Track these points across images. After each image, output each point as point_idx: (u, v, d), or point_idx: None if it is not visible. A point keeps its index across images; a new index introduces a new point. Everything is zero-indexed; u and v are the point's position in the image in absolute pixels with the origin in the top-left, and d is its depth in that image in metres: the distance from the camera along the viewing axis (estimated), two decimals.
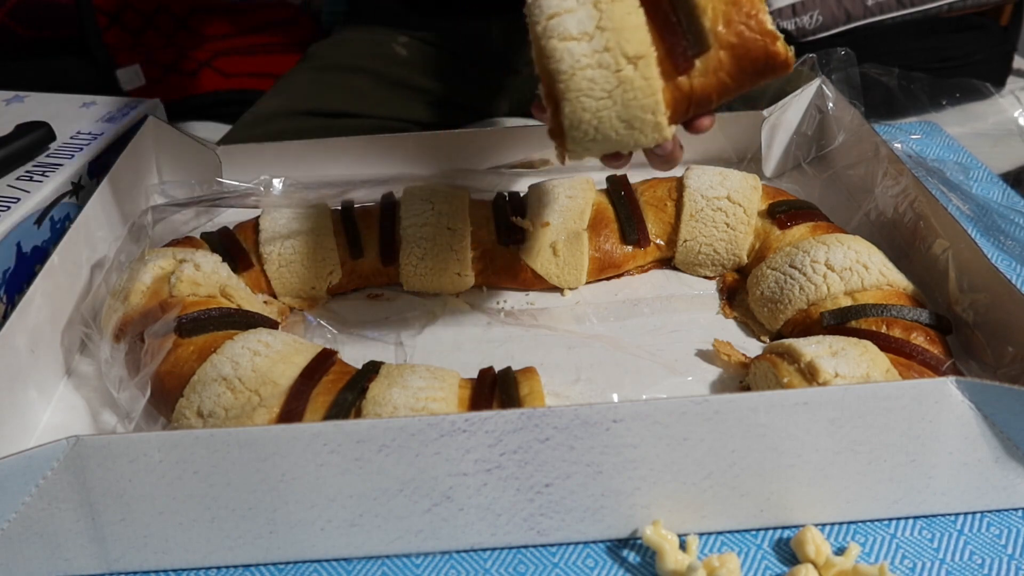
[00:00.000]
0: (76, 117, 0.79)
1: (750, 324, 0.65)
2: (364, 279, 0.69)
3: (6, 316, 0.55)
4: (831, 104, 0.78)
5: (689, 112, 0.50)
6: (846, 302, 0.59)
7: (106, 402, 0.58)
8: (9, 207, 0.65)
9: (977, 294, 0.58)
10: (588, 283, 0.69)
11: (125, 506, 0.45)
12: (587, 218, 0.69)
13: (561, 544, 0.48)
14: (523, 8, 0.48)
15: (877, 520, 0.48)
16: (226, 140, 0.93)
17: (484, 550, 0.48)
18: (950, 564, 0.46)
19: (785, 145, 0.81)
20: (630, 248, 0.69)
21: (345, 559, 0.47)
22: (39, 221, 0.67)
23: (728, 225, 0.68)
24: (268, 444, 0.44)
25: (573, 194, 0.69)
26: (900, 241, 0.68)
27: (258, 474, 0.44)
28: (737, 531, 0.48)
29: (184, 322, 0.56)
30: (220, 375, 0.52)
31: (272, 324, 0.61)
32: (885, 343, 0.54)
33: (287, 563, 0.47)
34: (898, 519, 0.49)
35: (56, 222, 0.69)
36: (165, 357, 0.55)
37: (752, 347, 0.62)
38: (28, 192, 0.67)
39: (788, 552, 0.47)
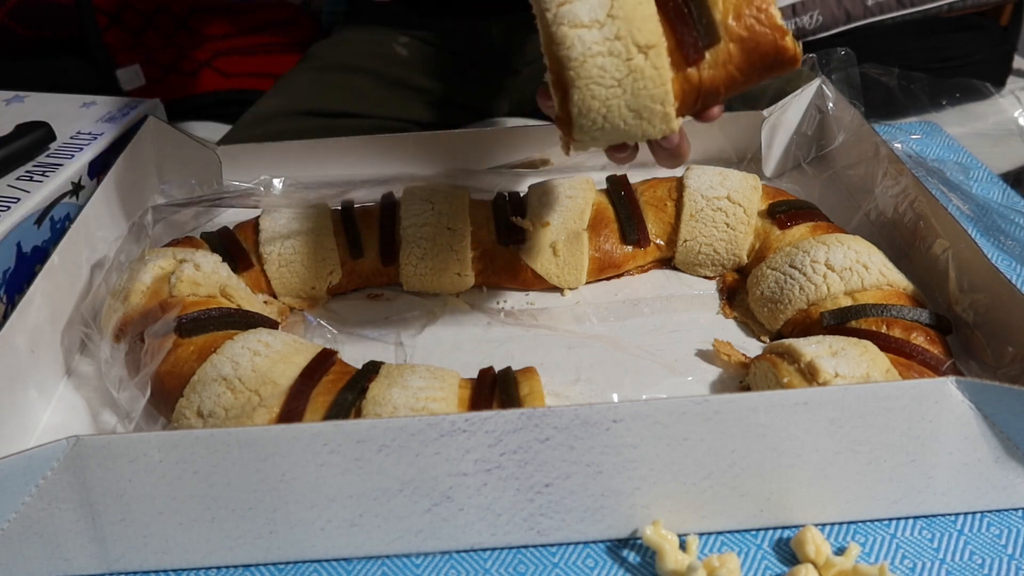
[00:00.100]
0: (76, 117, 0.79)
1: (750, 324, 0.65)
2: (364, 279, 0.69)
3: (6, 316, 0.55)
4: (831, 104, 0.78)
5: (697, 104, 0.50)
6: (846, 302, 0.59)
7: (106, 402, 0.58)
8: (9, 207, 0.65)
9: (977, 294, 0.58)
10: (588, 283, 0.69)
11: (125, 506, 0.45)
12: (587, 218, 0.69)
13: (561, 544, 0.48)
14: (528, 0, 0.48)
15: (877, 520, 0.48)
16: (226, 140, 0.93)
17: (484, 550, 0.48)
18: (950, 564, 0.46)
19: (785, 145, 0.81)
20: (630, 248, 0.69)
21: (345, 559, 0.47)
22: (39, 221, 0.67)
23: (728, 225, 0.68)
24: (268, 444, 0.44)
25: (573, 194, 0.69)
26: (900, 241, 0.68)
27: (258, 474, 0.44)
28: (737, 531, 0.48)
29: (184, 322, 0.56)
30: (220, 375, 0.52)
31: (272, 324, 0.61)
32: (885, 343, 0.54)
33: (287, 563, 0.47)
34: (898, 519, 0.49)
35: (56, 222, 0.69)
36: (165, 357, 0.55)
37: (752, 347, 0.62)
38: (28, 192, 0.67)
39: (788, 552, 0.47)
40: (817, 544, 0.46)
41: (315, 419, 0.50)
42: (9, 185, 0.68)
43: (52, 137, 0.74)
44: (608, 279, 0.70)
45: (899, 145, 0.78)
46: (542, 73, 0.49)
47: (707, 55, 0.48)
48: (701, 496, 0.47)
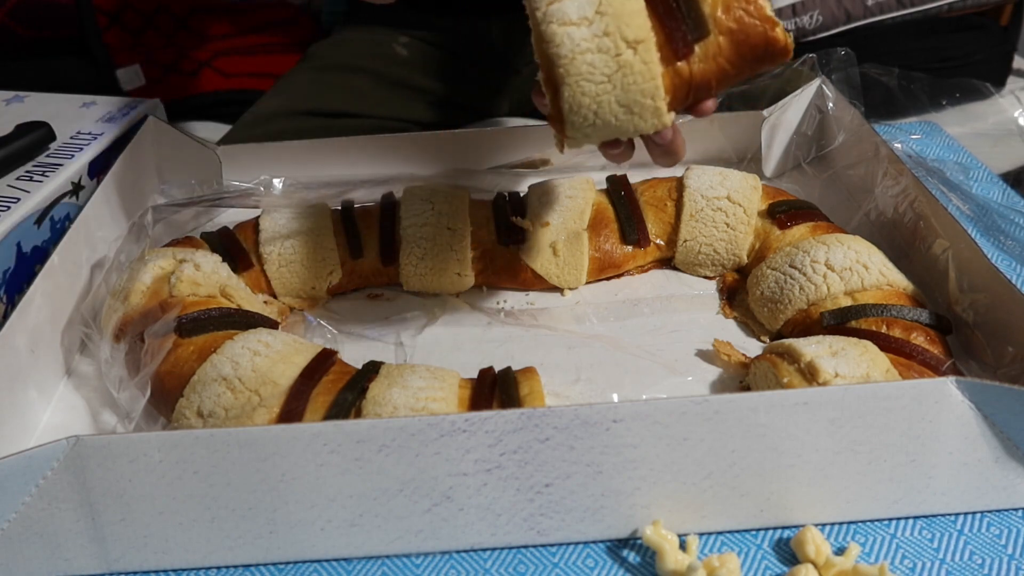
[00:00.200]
0: (76, 117, 0.79)
1: (750, 324, 0.65)
2: (364, 279, 0.69)
3: (6, 316, 0.55)
4: (831, 104, 0.78)
5: (689, 98, 0.50)
6: (846, 302, 0.59)
7: (106, 402, 0.58)
8: (9, 207, 0.65)
9: (977, 294, 0.58)
10: (588, 283, 0.69)
11: (125, 506, 0.45)
12: (587, 218, 0.69)
13: (561, 544, 0.48)
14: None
15: (877, 520, 0.48)
16: (226, 140, 0.93)
17: (484, 550, 0.48)
18: (950, 564, 0.46)
19: (785, 145, 0.81)
20: (630, 248, 0.69)
21: (345, 559, 0.47)
22: (39, 221, 0.67)
23: (728, 225, 0.68)
24: (268, 444, 0.44)
25: (573, 194, 0.69)
26: (900, 241, 0.68)
27: (258, 474, 0.44)
28: (737, 531, 0.48)
29: (184, 322, 0.56)
30: (220, 375, 0.52)
31: (272, 324, 0.61)
32: (885, 343, 0.54)
33: (287, 563, 0.47)
34: (898, 519, 0.49)
35: (56, 222, 0.69)
36: (165, 357, 0.55)
37: (752, 347, 0.62)
38: (28, 192, 0.67)
39: (788, 552, 0.47)
40: (817, 544, 0.46)
41: (315, 419, 0.50)
42: (9, 185, 0.68)
43: (52, 137, 0.74)
44: (608, 279, 0.70)
45: (899, 145, 0.78)
46: None
47: (697, 49, 0.48)
48: (701, 496, 0.47)
